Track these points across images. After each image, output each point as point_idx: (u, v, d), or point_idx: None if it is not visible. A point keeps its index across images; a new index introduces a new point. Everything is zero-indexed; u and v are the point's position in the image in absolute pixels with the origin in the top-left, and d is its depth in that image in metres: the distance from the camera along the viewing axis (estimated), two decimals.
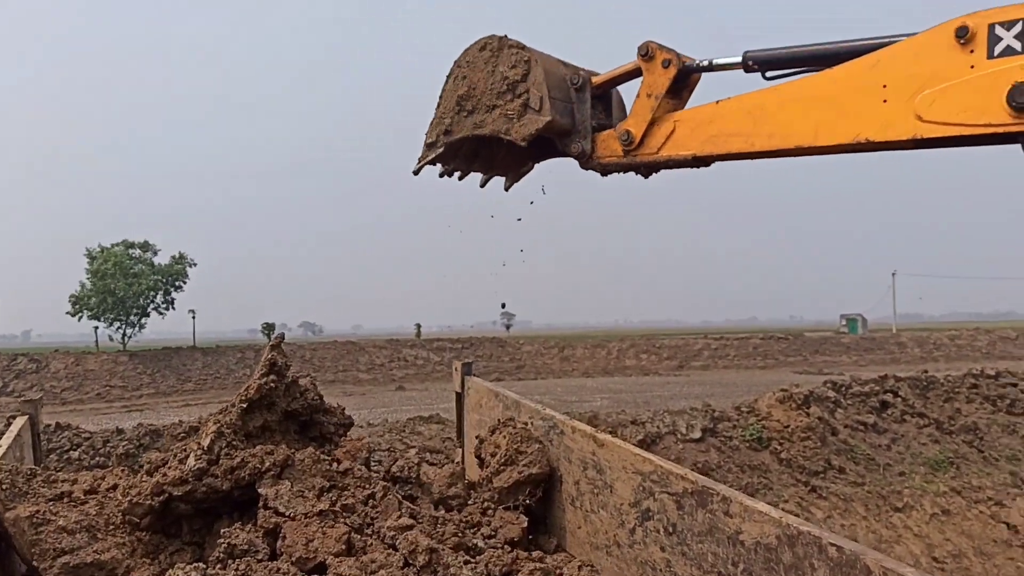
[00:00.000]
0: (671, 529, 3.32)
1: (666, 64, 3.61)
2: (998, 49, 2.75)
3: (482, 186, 4.38)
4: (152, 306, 49.21)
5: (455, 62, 4.09)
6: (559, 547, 4.22)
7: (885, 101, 2.98)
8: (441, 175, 4.35)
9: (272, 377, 4.35)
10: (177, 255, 49.51)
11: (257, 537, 3.76)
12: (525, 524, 4.14)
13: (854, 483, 11.02)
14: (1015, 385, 13.75)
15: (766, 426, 11.81)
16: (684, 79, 3.68)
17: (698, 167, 3.64)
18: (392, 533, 3.74)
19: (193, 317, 54.86)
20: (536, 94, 3.74)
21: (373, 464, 5.06)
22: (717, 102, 3.48)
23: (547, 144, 3.93)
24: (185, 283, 49.67)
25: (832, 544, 2.49)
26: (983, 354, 41.55)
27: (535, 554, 3.97)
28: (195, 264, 50.03)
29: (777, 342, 47.34)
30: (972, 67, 2.80)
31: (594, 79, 3.89)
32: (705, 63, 3.65)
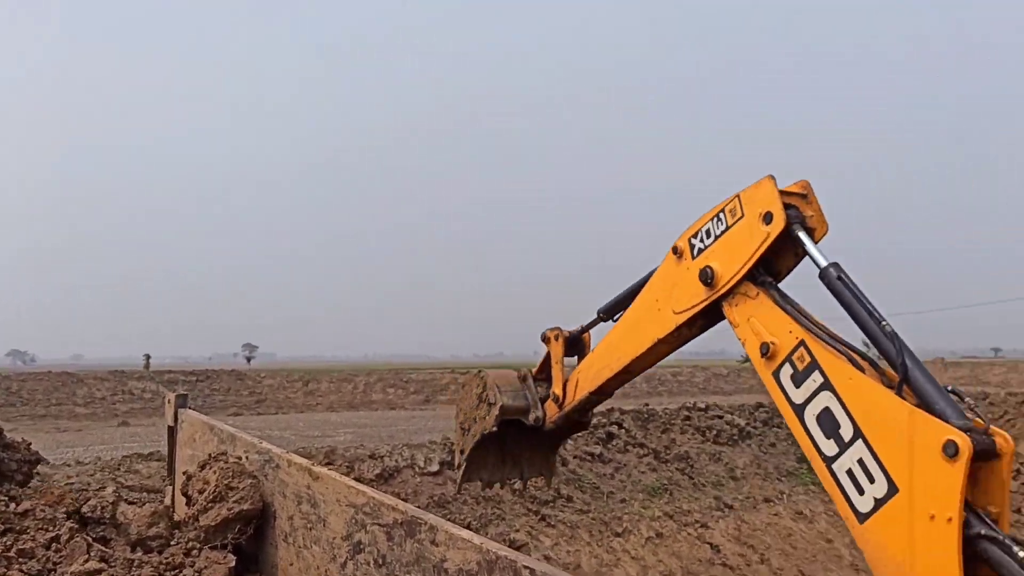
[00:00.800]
0: (381, 561, 3.27)
1: (556, 338, 5.06)
2: (695, 252, 3.99)
3: (523, 489, 6.07)
4: None
5: (456, 409, 5.48)
6: None
7: (659, 310, 4.17)
8: (483, 489, 5.73)
9: None
10: None
11: None
12: (233, 563, 3.90)
13: (580, 511, 11.55)
14: (721, 417, 15.19)
15: None
16: (577, 343, 5.08)
17: (602, 399, 4.83)
18: None
19: None
20: (490, 394, 5.05)
21: (75, 505, 4.57)
22: (593, 351, 4.81)
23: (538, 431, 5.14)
24: None
25: (526, 567, 2.55)
26: (700, 389, 45.52)
27: None
28: None
29: None
30: (688, 268, 4.01)
31: (532, 370, 5.22)
32: (579, 328, 5.06)
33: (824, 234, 3.64)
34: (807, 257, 3.64)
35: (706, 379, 52.76)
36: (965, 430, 2.91)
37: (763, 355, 3.56)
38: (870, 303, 3.40)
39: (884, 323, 3.32)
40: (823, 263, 3.54)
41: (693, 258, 3.99)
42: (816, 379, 3.35)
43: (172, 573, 3.76)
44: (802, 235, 3.59)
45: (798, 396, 3.42)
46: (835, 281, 3.48)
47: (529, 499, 11.48)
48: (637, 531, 11.02)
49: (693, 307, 3.96)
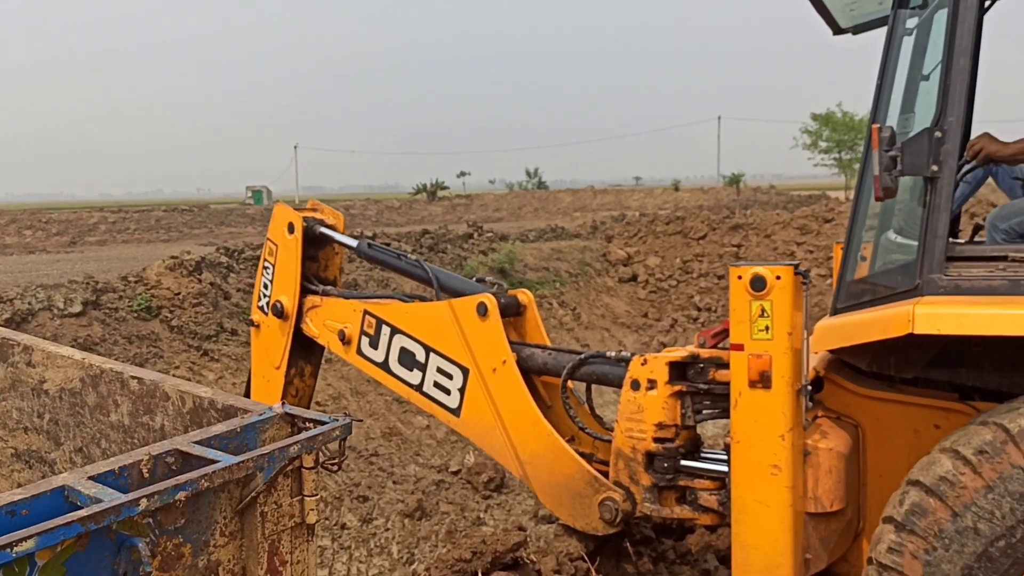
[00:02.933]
0: None
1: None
2: (267, 309, 4.34)
3: None
4: None
5: None
6: None
7: (268, 380, 4.42)
8: None
9: None
10: None
11: None
12: None
13: (245, 343, 11.32)
14: (388, 245, 15.49)
15: (155, 295, 11.40)
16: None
17: None
18: None
19: None
20: None
21: None
22: None
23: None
24: None
25: (134, 377, 2.36)
26: (373, 222, 45.97)
27: None
28: None
29: (181, 215, 45.97)
30: (267, 324, 4.33)
31: None
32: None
33: (344, 224, 4.25)
34: (351, 249, 4.20)
35: (379, 212, 53.49)
36: (492, 295, 3.60)
37: (343, 342, 3.97)
38: (395, 252, 4.16)
39: (407, 257, 4.09)
40: (353, 244, 4.16)
41: (267, 314, 4.22)
42: (385, 331, 3.85)
43: None
44: (325, 230, 4.14)
45: (380, 355, 3.91)
46: (368, 251, 4.13)
47: (189, 335, 11.02)
48: None
49: (285, 348, 4.16)
